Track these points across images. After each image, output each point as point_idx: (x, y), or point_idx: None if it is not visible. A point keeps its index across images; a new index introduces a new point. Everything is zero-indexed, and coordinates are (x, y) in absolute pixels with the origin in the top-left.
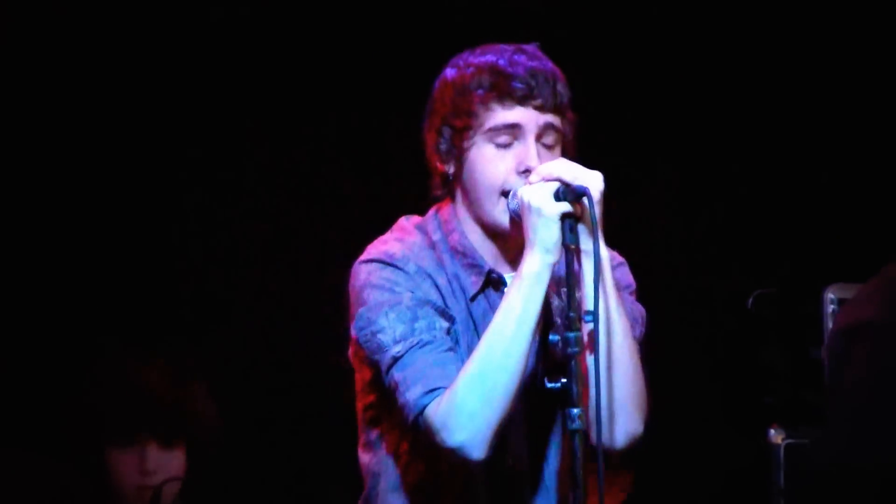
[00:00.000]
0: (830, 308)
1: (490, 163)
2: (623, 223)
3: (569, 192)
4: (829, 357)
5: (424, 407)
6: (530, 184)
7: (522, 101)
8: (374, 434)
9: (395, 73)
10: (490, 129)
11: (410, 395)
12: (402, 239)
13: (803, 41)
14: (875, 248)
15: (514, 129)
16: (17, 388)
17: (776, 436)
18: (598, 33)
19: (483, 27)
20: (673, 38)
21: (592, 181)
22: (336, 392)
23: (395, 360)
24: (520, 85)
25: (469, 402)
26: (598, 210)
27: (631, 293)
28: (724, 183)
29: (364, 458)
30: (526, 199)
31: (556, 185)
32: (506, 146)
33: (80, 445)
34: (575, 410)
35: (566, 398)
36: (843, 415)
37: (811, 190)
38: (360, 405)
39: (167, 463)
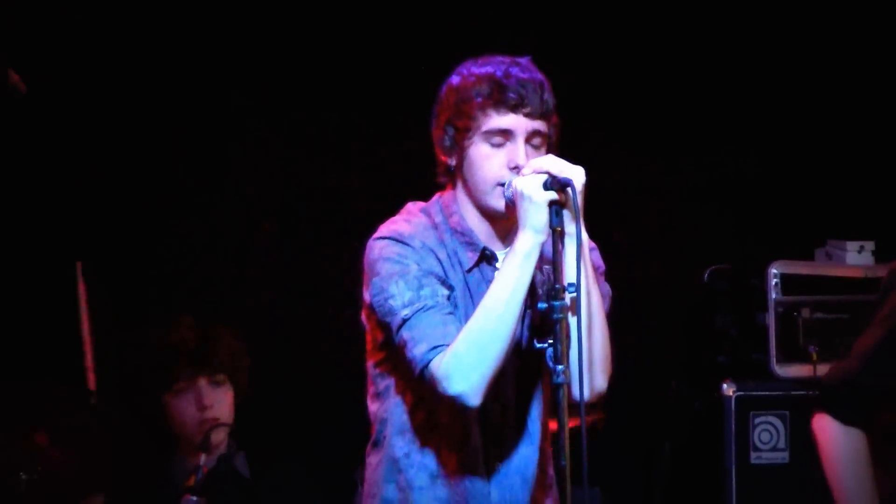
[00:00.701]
0: (773, 281)
1: (486, 159)
2: (598, 209)
3: (555, 183)
4: (881, 289)
5: (429, 361)
6: (523, 176)
7: (514, 108)
8: (382, 386)
9: (407, 79)
10: (486, 132)
11: (417, 351)
12: (409, 220)
13: (757, 27)
14: (810, 232)
15: (506, 133)
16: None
17: (728, 389)
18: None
19: (483, 37)
20: (631, 24)
21: (576, 174)
22: (346, 353)
23: (404, 321)
24: (513, 95)
25: (468, 357)
26: (580, 198)
27: (601, 274)
28: (686, 173)
29: (373, 406)
30: (519, 188)
31: (545, 176)
32: (499, 146)
33: (143, 399)
34: (559, 367)
35: (552, 357)
36: (877, 334)
37: (760, 181)
38: (370, 361)
39: (219, 399)
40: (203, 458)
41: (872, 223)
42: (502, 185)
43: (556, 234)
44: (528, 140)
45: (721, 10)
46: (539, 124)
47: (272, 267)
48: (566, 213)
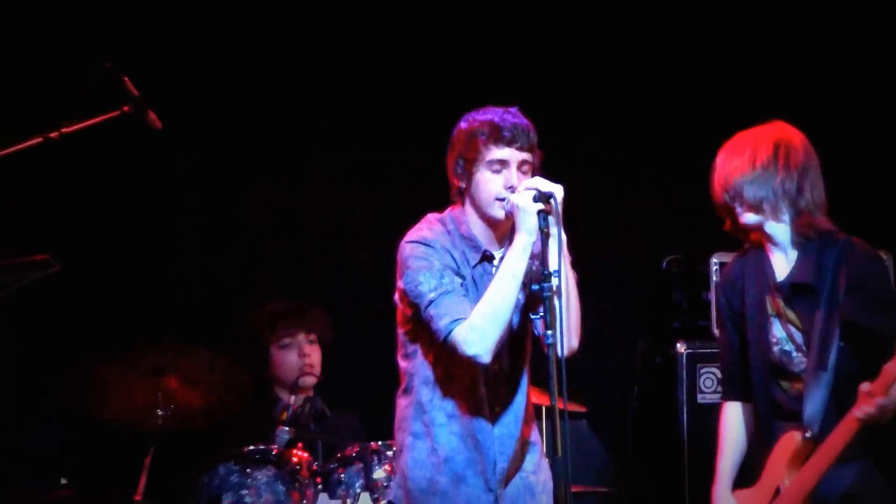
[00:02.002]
0: (714, 267)
1: (488, 182)
2: (585, 212)
3: (542, 197)
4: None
5: (452, 331)
6: (518, 192)
7: (509, 143)
8: (410, 349)
9: (428, 121)
10: (488, 161)
11: (442, 323)
12: (430, 228)
13: (710, 28)
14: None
15: (503, 162)
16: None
17: (680, 347)
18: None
19: (483, 87)
20: (589, 23)
21: (557, 190)
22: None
23: (431, 301)
24: (507, 134)
25: (482, 326)
26: (560, 208)
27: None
28: (653, 183)
29: (403, 363)
30: (515, 201)
31: (535, 192)
32: (498, 171)
33: (257, 351)
34: (549, 332)
35: (544, 324)
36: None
37: (704, 190)
38: (401, 330)
39: (313, 352)
40: (293, 398)
41: None
42: (501, 199)
43: (543, 234)
44: (518, 167)
45: (681, 9)
46: (526, 155)
47: (334, 266)
48: (550, 219)
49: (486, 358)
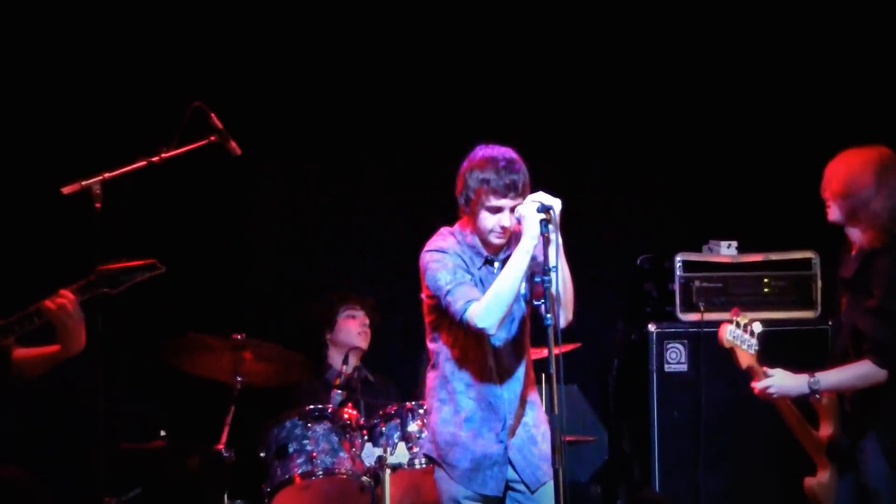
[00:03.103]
0: (678, 264)
1: (486, 219)
2: (570, 218)
3: (544, 208)
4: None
5: (466, 310)
6: (524, 204)
7: (504, 195)
8: (435, 334)
9: (442, 151)
10: (488, 206)
11: (458, 306)
12: (444, 238)
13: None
14: (699, 235)
15: (499, 209)
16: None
17: (651, 328)
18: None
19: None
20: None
21: (556, 203)
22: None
23: (448, 291)
24: (504, 189)
25: (490, 306)
26: (557, 217)
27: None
28: (630, 193)
29: (430, 345)
30: (522, 212)
31: (539, 204)
32: (494, 213)
33: (325, 317)
34: (548, 315)
35: (544, 309)
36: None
37: (670, 203)
38: (427, 320)
39: (367, 330)
40: (345, 367)
41: (736, 229)
42: (496, 231)
43: (545, 238)
44: (511, 209)
45: (643, 22)
46: (517, 201)
47: (375, 264)
48: (550, 226)
49: (492, 330)
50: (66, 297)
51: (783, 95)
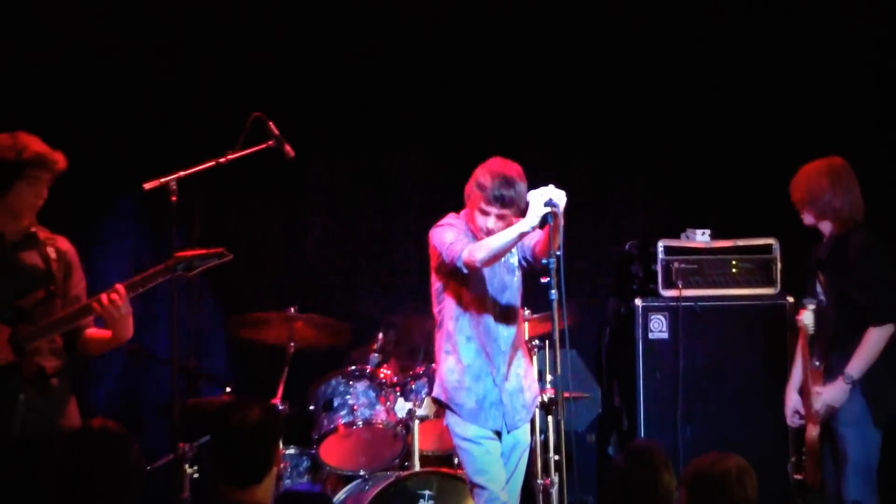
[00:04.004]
0: (660, 249)
1: (477, 218)
2: (570, 210)
3: (549, 202)
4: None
5: (460, 253)
6: (535, 192)
7: (492, 204)
8: (440, 298)
9: (456, 161)
10: (480, 209)
11: (455, 252)
12: (451, 218)
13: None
14: (679, 223)
15: (488, 213)
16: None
17: (638, 302)
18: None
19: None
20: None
21: (561, 197)
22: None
23: (450, 244)
24: (492, 199)
25: (481, 247)
26: (561, 209)
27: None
28: (620, 188)
29: (436, 309)
30: (531, 198)
31: (548, 197)
32: (483, 215)
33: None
34: (553, 291)
35: (550, 286)
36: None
37: (655, 197)
38: (434, 287)
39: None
40: (381, 335)
41: (709, 219)
42: (480, 230)
43: (551, 228)
44: (498, 217)
45: (642, 27)
46: (504, 211)
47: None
48: (552, 217)
49: (478, 264)
50: (119, 293)
51: (750, 107)
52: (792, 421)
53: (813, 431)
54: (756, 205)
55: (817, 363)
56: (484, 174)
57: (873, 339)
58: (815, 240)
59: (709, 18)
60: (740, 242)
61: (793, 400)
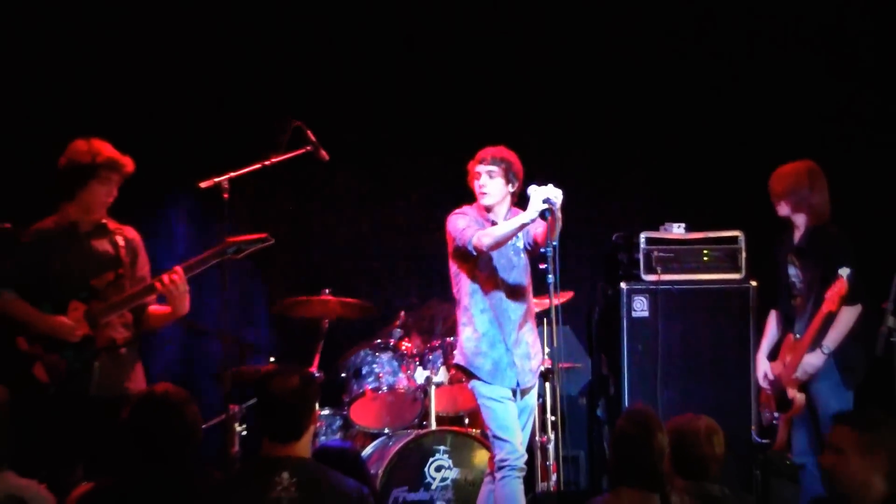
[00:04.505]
0: (642, 240)
1: (475, 186)
2: (567, 206)
3: (547, 200)
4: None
5: (473, 236)
6: (535, 189)
7: (479, 163)
8: (457, 279)
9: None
10: (472, 174)
11: (469, 233)
12: (464, 208)
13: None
14: (657, 218)
15: (477, 173)
16: None
17: (623, 285)
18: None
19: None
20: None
21: (558, 194)
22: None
23: (463, 229)
24: (478, 160)
25: (488, 234)
26: (558, 204)
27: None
28: (607, 186)
29: (454, 288)
30: (531, 193)
31: (546, 196)
32: (476, 178)
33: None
34: (550, 276)
35: (548, 271)
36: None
37: (636, 197)
38: (452, 269)
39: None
40: (403, 313)
41: (684, 214)
42: (479, 192)
43: (548, 221)
44: (487, 174)
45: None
46: (490, 168)
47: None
48: (549, 215)
49: (485, 248)
50: (178, 274)
51: (721, 117)
52: (762, 382)
53: (797, 395)
54: (724, 202)
55: (797, 336)
56: (478, 155)
57: (846, 317)
58: (776, 232)
59: (693, 25)
60: (710, 234)
61: (763, 365)
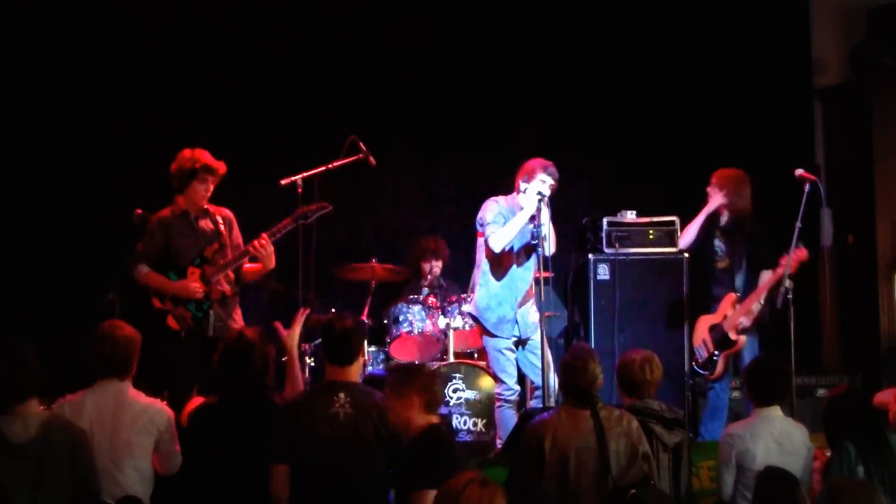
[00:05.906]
0: (605, 223)
1: (532, 186)
2: (553, 199)
3: (540, 194)
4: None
5: (489, 235)
6: (529, 189)
7: (549, 178)
8: (484, 262)
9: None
10: (536, 180)
11: (487, 232)
12: (496, 197)
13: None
14: (615, 206)
15: (543, 180)
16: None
17: (590, 256)
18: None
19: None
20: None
21: (545, 188)
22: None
23: (488, 224)
24: (549, 175)
25: (498, 235)
26: (547, 198)
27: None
28: (581, 180)
29: (478, 256)
30: (528, 191)
31: (538, 192)
32: (540, 183)
33: (421, 259)
34: (540, 249)
35: (537, 246)
36: None
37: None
38: (479, 242)
39: (438, 265)
40: (430, 276)
41: (635, 203)
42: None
43: (540, 211)
44: (550, 187)
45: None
46: (552, 182)
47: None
48: (542, 204)
49: (497, 248)
50: (265, 239)
51: (667, 122)
52: (704, 335)
53: (740, 337)
54: (665, 194)
55: (735, 294)
56: (538, 163)
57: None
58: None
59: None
60: (654, 219)
61: (703, 328)
